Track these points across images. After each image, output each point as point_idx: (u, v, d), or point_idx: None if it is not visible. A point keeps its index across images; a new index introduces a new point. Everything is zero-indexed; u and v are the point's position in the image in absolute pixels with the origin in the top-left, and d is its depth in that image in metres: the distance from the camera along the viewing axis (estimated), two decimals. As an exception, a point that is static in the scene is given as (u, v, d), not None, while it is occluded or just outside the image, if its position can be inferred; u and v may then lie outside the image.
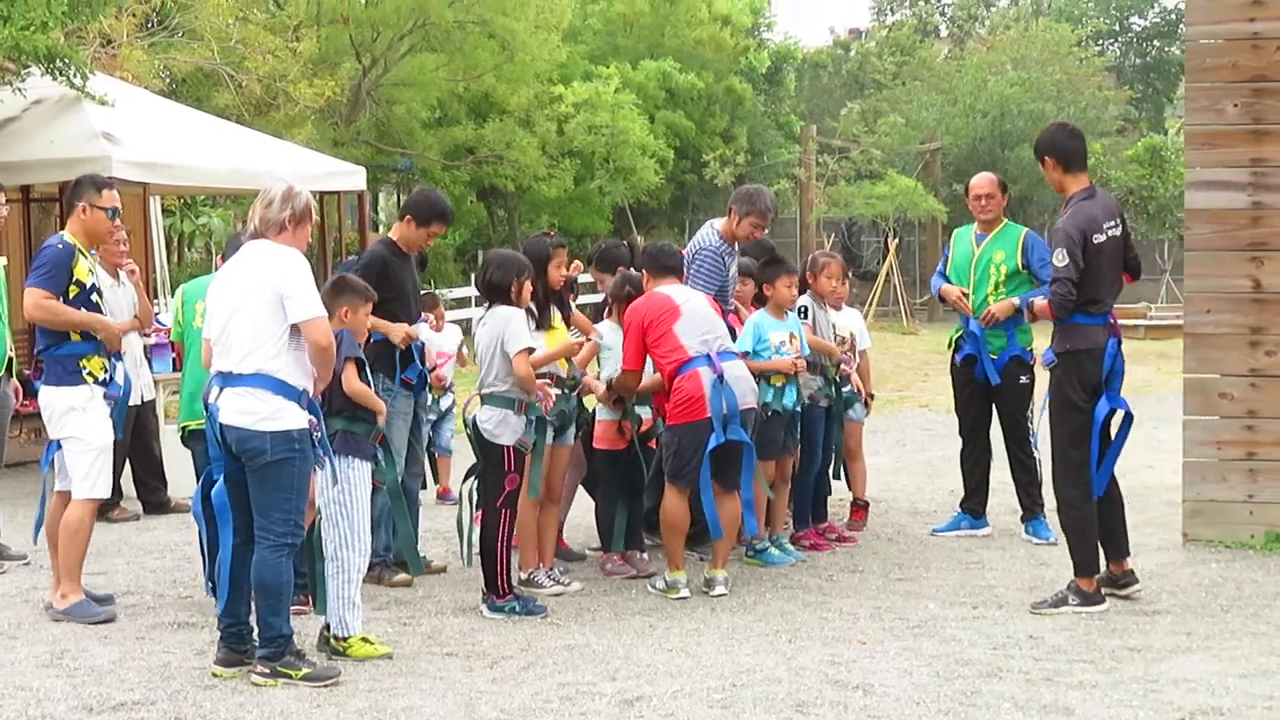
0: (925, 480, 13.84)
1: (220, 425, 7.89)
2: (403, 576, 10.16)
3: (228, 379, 7.88)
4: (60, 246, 9.42)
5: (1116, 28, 57.77)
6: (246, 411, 7.78)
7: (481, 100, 32.83)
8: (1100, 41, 53.98)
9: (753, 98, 42.39)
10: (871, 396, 12.25)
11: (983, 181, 11.65)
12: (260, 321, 7.80)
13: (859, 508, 12.05)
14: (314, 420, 7.94)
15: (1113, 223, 9.28)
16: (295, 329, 7.79)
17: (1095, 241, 9.11)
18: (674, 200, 40.47)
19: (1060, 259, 9.09)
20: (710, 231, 11.03)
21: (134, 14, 22.27)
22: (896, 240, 38.50)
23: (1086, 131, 41.95)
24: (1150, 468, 13.57)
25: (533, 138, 32.44)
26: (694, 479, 9.61)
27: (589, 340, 10.47)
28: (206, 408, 8.09)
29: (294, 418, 7.82)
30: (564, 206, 35.57)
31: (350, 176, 17.45)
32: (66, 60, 14.76)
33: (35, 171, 14.61)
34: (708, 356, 9.66)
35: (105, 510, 12.38)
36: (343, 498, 8.33)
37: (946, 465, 12.11)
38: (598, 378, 10.54)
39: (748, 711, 7.36)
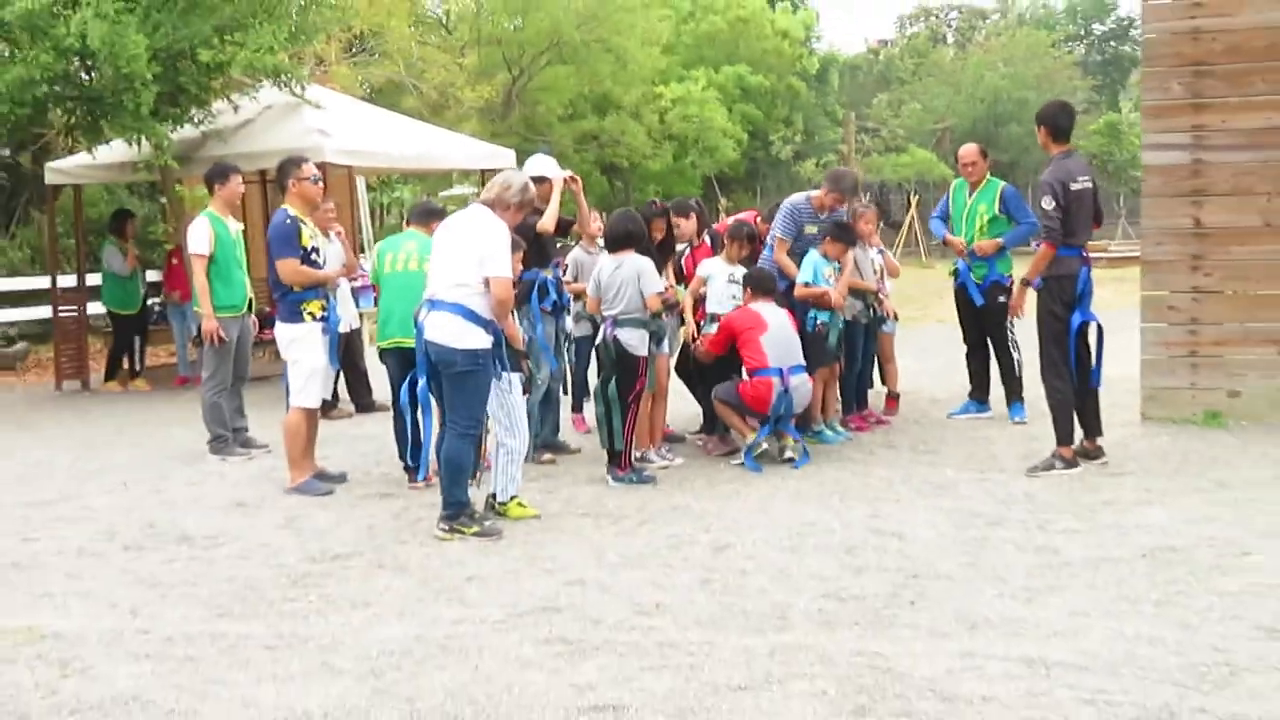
0: (942, 377, 13.55)
1: (425, 340, 7.81)
2: (549, 456, 10.08)
3: (434, 304, 7.78)
4: (288, 222, 9.40)
5: (1082, 32, 57.19)
6: (445, 330, 7.70)
7: (602, 99, 32.82)
8: (1069, 43, 53.37)
9: (806, 93, 42.29)
10: (896, 316, 12.00)
11: (968, 151, 11.46)
12: (465, 266, 7.71)
13: (893, 398, 11.84)
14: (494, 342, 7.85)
15: (1085, 177, 9.03)
16: (486, 279, 7.70)
17: (1072, 189, 8.86)
18: (748, 171, 40.49)
19: (1047, 203, 8.86)
20: (803, 195, 10.93)
21: (340, 40, 22.29)
22: (916, 197, 38.34)
23: (1060, 111, 42.34)
24: (1120, 361, 13.23)
25: (640, 126, 32.45)
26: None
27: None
28: (416, 325, 7.99)
29: (479, 339, 7.71)
30: (665, 177, 35.49)
31: (502, 158, 17.24)
32: (289, 75, 14.71)
33: (268, 159, 14.50)
34: (780, 370, 9.54)
35: (326, 411, 12.43)
36: (505, 398, 8.23)
37: (957, 365, 11.86)
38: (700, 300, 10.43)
39: (810, 554, 7.20)
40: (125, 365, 16.02)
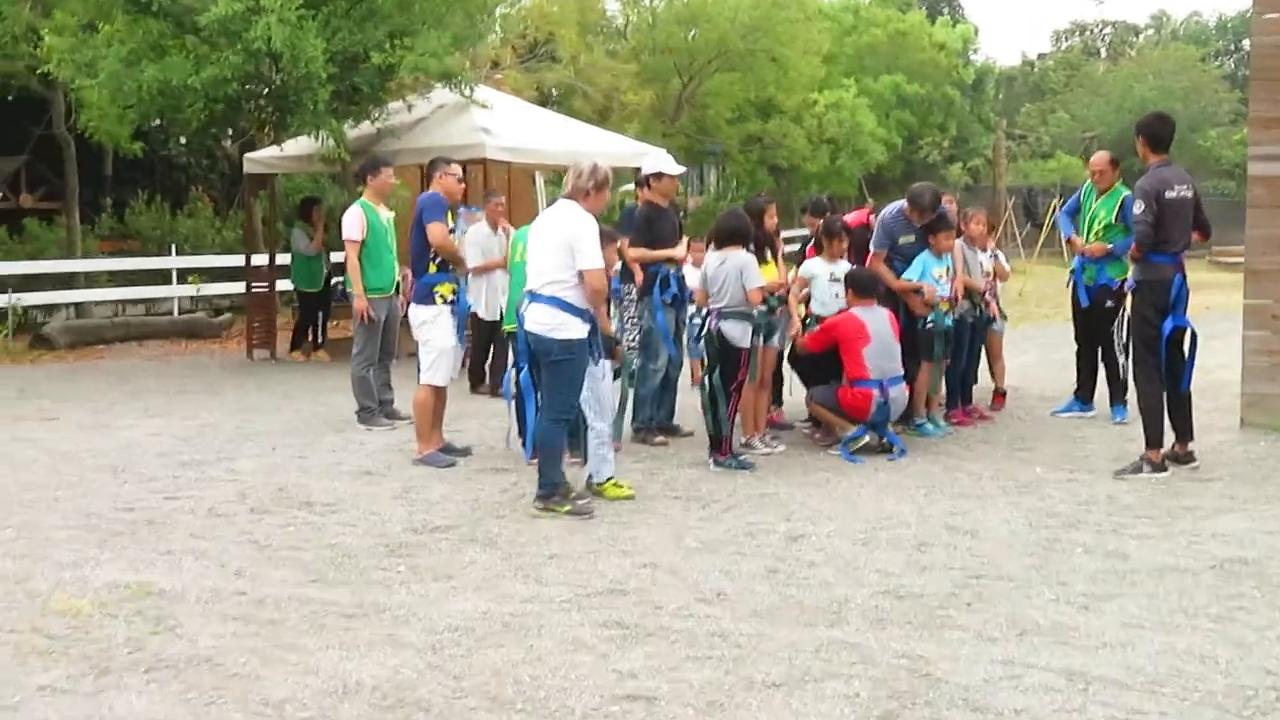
0: (1057, 373, 12.77)
1: (524, 330, 7.51)
2: (661, 439, 9.70)
3: (533, 296, 7.48)
4: (437, 201, 9.35)
5: (1232, 47, 54.63)
6: (541, 322, 7.39)
7: (765, 104, 32.19)
8: (1219, 57, 50.96)
9: (961, 101, 41.04)
10: (1005, 316, 11.33)
11: (1099, 159, 10.65)
12: (558, 260, 7.37)
13: (999, 394, 11.18)
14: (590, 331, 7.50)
15: (1184, 186, 8.31)
16: (580, 272, 7.35)
17: (1167, 196, 8.18)
18: (904, 173, 39.48)
19: (1139, 209, 8.21)
20: (895, 207, 10.26)
21: (516, 46, 22.16)
22: (1060, 200, 36.93)
23: (1205, 123, 40.23)
24: (1227, 367, 12.33)
25: (800, 130, 31.81)
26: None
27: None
28: (518, 316, 7.71)
29: (575, 329, 7.37)
30: (824, 178, 34.69)
31: (651, 154, 16.76)
32: (459, 78, 14.54)
33: (438, 154, 14.35)
34: (880, 382, 9.06)
35: (475, 387, 12.26)
36: (595, 385, 7.86)
37: (1072, 363, 11.11)
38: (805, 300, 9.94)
39: (881, 548, 6.70)
40: (309, 338, 16.12)
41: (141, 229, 21.68)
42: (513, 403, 8.52)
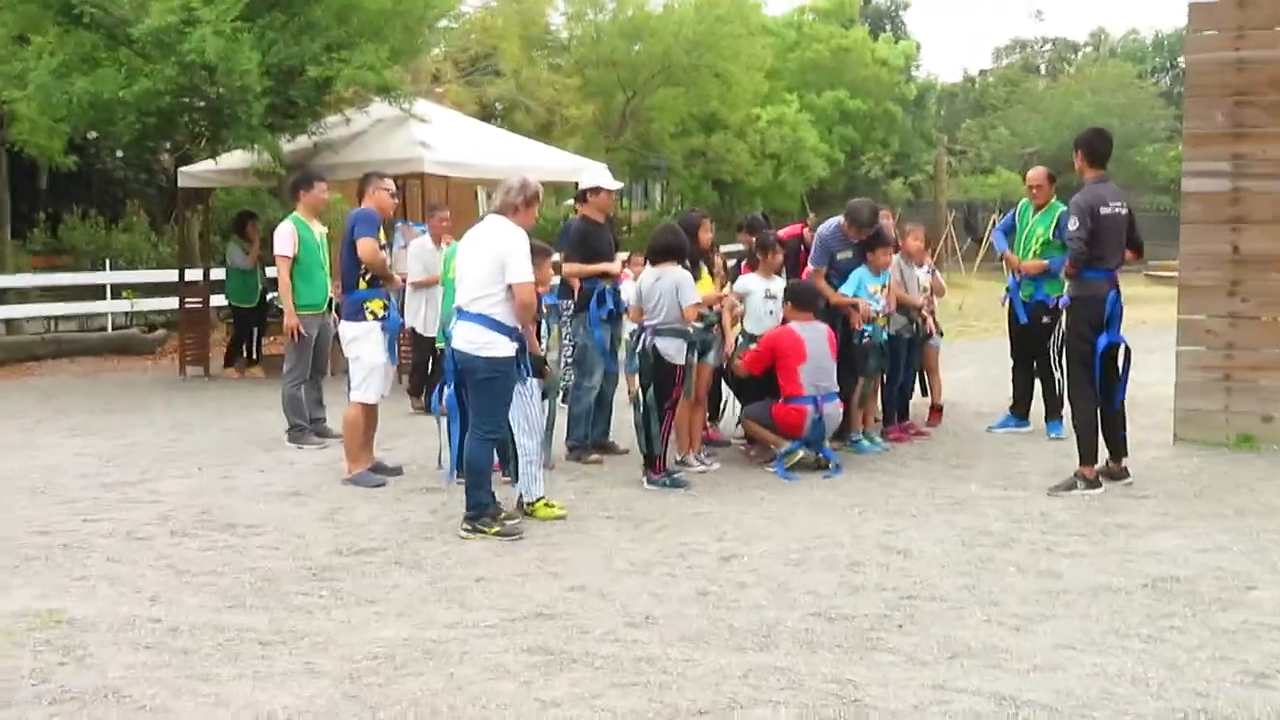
0: (993, 389, 12.75)
1: (451, 348, 7.35)
2: (595, 457, 9.56)
3: (461, 314, 7.31)
4: (369, 216, 9.18)
5: (1168, 64, 55.31)
6: (469, 340, 7.22)
7: (709, 119, 32.18)
8: (1155, 74, 51.56)
9: (903, 117, 41.22)
10: (941, 332, 11.29)
11: (1035, 174, 10.65)
12: (487, 275, 7.20)
13: (936, 410, 11.13)
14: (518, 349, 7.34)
15: (1118, 203, 8.28)
16: (509, 285, 7.18)
17: (1102, 212, 8.15)
18: (846, 189, 39.60)
19: (1074, 225, 8.17)
20: (833, 223, 10.16)
21: (456, 60, 21.99)
22: (1000, 214, 37.22)
23: (1141, 139, 40.58)
24: (1162, 382, 12.35)
25: (744, 145, 31.81)
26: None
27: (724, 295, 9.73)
28: (445, 334, 7.55)
29: (503, 347, 7.21)
30: (767, 193, 34.72)
31: (591, 169, 16.58)
32: (397, 91, 14.36)
33: (375, 168, 14.12)
34: (815, 398, 8.97)
35: (415, 404, 12.05)
36: (524, 404, 7.71)
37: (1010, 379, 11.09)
38: (739, 317, 9.84)
39: (814, 569, 6.58)
40: (244, 354, 15.86)
41: (76, 244, 21.29)
42: (443, 421, 8.35)
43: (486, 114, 24.28)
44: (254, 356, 15.90)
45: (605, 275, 9.54)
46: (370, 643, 5.50)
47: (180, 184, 16.00)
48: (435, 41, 15.72)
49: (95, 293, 20.10)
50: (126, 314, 20.46)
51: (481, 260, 7.24)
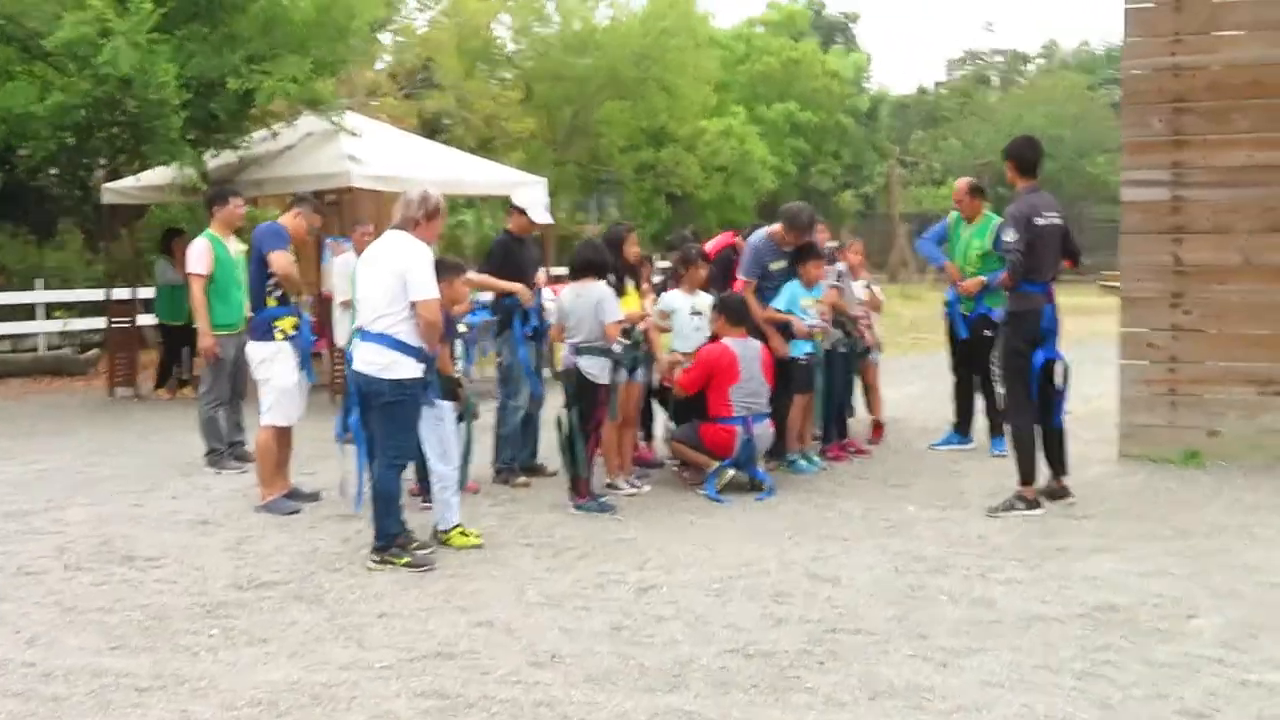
0: (939, 404, 12.44)
1: (353, 370, 6.97)
2: (523, 480, 9.21)
3: (363, 335, 6.93)
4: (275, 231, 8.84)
5: (1119, 75, 55.46)
6: (371, 361, 6.84)
7: (658, 132, 31.92)
8: (1106, 85, 51.61)
9: (854, 128, 41.10)
10: (880, 347, 11.01)
11: (957, 186, 10.40)
12: (388, 293, 6.82)
13: (877, 427, 10.86)
14: (424, 370, 6.97)
15: (1053, 213, 7.99)
16: (413, 304, 6.81)
17: (1036, 223, 7.86)
18: (798, 200, 39.46)
19: (1010, 235, 7.88)
20: (764, 232, 9.81)
21: (393, 73, 21.61)
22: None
23: (1093, 149, 40.56)
24: (1109, 395, 12.10)
25: (694, 158, 31.56)
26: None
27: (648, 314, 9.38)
28: (346, 356, 7.18)
29: (407, 368, 6.84)
30: (719, 205, 34.47)
31: (528, 183, 16.28)
32: (324, 105, 13.98)
33: (303, 183, 13.75)
34: (744, 419, 8.68)
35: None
36: (437, 427, 7.35)
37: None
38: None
39: (735, 600, 6.24)
40: (175, 374, 15.40)
41: (7, 262, 20.73)
42: (348, 448, 7.96)
43: (430, 129, 23.88)
44: (185, 376, 15.44)
45: (514, 293, 9.19)
46: (255, 687, 5.13)
47: (104, 200, 15.56)
48: (360, 53, 15.25)
49: (26, 313, 19.56)
50: (61, 334, 19.93)
51: (382, 277, 6.86)
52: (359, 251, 11.55)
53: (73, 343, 19.96)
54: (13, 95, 12.26)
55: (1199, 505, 8.24)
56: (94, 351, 18.86)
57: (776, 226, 9.68)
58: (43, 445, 11.65)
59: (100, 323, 18.92)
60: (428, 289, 6.79)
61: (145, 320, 16.60)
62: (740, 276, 9.55)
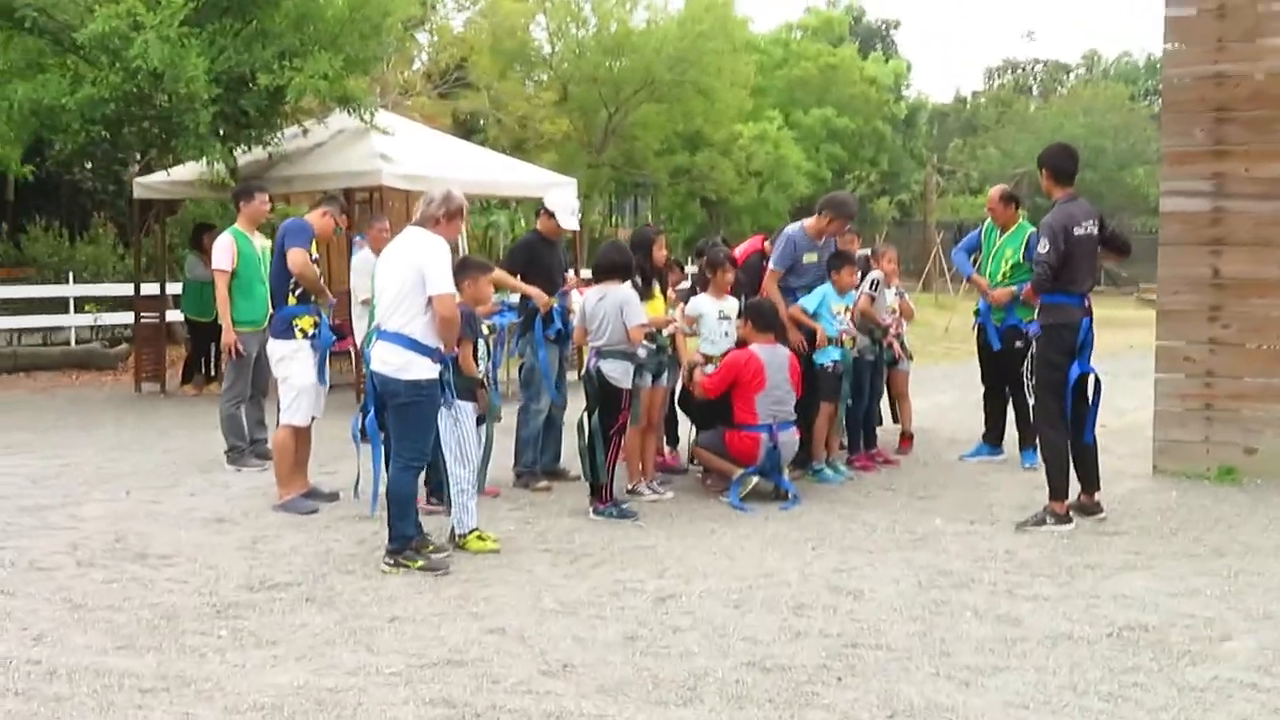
0: (970, 414, 12.28)
1: (370, 370, 6.88)
2: (544, 484, 9.09)
3: (380, 334, 6.82)
4: (301, 227, 8.75)
5: (1160, 86, 55.04)
6: (387, 361, 6.72)
7: (694, 136, 31.78)
8: (1148, 96, 51.17)
9: (892, 136, 40.87)
10: (911, 356, 10.83)
11: (990, 194, 10.22)
12: (405, 290, 6.70)
13: (906, 437, 10.68)
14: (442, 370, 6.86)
15: (1091, 222, 7.79)
16: (429, 299, 6.71)
17: (1074, 234, 7.65)
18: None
19: (1043, 247, 7.67)
20: (798, 225, 9.69)
21: (428, 72, 21.56)
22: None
23: (1134, 160, 40.15)
24: (1146, 409, 11.89)
25: (729, 163, 31.42)
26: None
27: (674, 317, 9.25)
28: (364, 355, 7.08)
29: (423, 369, 6.72)
30: (753, 210, 34.29)
31: (559, 184, 16.15)
32: (356, 102, 13.92)
33: (333, 181, 13.74)
34: (769, 427, 8.54)
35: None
36: (455, 429, 7.24)
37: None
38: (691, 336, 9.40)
39: (754, 611, 6.11)
40: (202, 370, 15.40)
41: (38, 255, 20.79)
42: (364, 447, 7.87)
43: (466, 129, 23.79)
44: (212, 373, 15.42)
45: (551, 293, 9.09)
46: (260, 690, 5.03)
47: (135, 195, 15.55)
48: (393, 50, 15.18)
49: (58, 306, 19.61)
50: (91, 328, 19.98)
51: (399, 273, 6.75)
52: (375, 249, 11.52)
53: (103, 337, 20.01)
54: (44, 87, 12.24)
55: (1234, 524, 8.03)
56: (123, 346, 18.90)
57: (811, 220, 9.55)
58: (66, 439, 11.64)
59: (130, 318, 19.00)
60: (444, 284, 6.67)
61: (173, 316, 16.56)
62: (771, 266, 9.43)
